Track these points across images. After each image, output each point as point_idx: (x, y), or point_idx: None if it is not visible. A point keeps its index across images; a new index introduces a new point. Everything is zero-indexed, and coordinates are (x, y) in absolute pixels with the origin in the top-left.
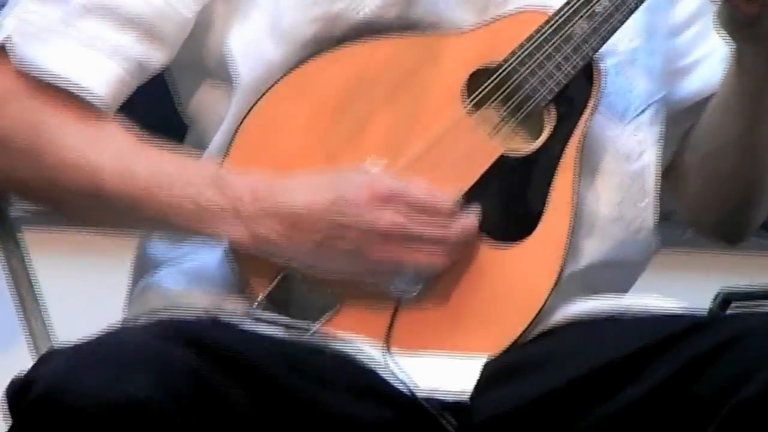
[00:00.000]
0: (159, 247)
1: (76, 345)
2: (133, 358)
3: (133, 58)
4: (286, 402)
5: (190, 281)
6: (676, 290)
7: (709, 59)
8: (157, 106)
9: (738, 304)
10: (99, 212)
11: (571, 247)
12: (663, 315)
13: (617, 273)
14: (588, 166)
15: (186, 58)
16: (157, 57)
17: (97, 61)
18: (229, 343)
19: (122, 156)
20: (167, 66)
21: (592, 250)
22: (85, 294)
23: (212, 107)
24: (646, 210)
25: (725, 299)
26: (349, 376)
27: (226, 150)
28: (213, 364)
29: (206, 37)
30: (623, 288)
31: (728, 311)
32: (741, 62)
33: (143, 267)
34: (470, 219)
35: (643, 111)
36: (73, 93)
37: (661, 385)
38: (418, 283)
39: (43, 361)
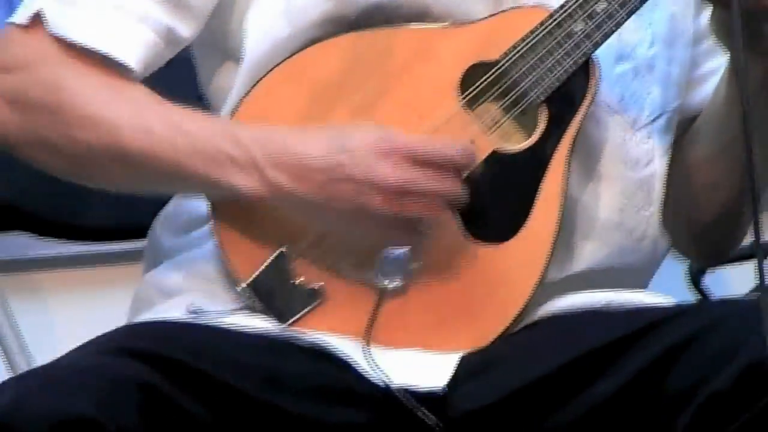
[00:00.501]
0: (165, 237)
1: (25, 372)
2: (79, 376)
3: (163, 24)
4: (249, 409)
5: (186, 274)
6: None
7: (721, 72)
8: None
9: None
10: (121, 170)
11: (568, 249)
12: (639, 307)
13: (621, 279)
14: (592, 168)
15: (209, 38)
16: (185, 26)
17: (128, 27)
18: (183, 353)
19: (140, 112)
20: (192, 43)
21: (590, 254)
22: (66, 331)
23: (231, 88)
24: (650, 218)
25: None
26: (320, 376)
27: None
28: (164, 376)
29: (229, 16)
30: None
31: (704, 276)
32: (735, 71)
33: (151, 260)
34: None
35: (656, 118)
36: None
37: (634, 378)
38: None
39: None
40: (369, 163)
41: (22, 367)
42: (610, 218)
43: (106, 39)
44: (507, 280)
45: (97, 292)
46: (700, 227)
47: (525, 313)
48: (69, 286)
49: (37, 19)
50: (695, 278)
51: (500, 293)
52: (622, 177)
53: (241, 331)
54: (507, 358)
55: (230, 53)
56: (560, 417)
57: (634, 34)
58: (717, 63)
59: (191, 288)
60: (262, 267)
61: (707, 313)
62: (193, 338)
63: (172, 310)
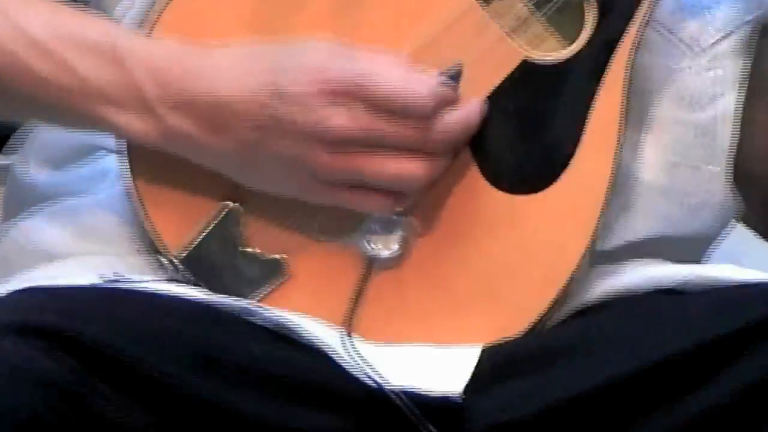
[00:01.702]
0: (39, 172)
1: None
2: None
3: None
4: (197, 409)
5: (74, 230)
6: None
7: None
8: None
9: None
10: None
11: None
12: (747, 288)
13: (670, 250)
14: (632, 112)
15: None
16: None
17: None
18: (117, 341)
19: None
20: None
21: (625, 229)
22: None
23: None
24: (712, 180)
25: None
26: (283, 365)
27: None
28: (72, 366)
29: None
30: None
31: None
32: None
33: (15, 203)
34: (457, 114)
35: (724, 37)
36: None
37: (744, 392)
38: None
39: None
40: (313, 108)
41: None
42: (657, 180)
43: None
44: (545, 243)
45: None
46: None
47: (568, 292)
48: None
49: None
50: None
51: (536, 261)
52: (673, 122)
53: (176, 297)
54: (550, 355)
55: None
56: None
57: None
58: None
59: (84, 251)
60: (204, 233)
61: None
62: (113, 310)
63: (61, 277)
